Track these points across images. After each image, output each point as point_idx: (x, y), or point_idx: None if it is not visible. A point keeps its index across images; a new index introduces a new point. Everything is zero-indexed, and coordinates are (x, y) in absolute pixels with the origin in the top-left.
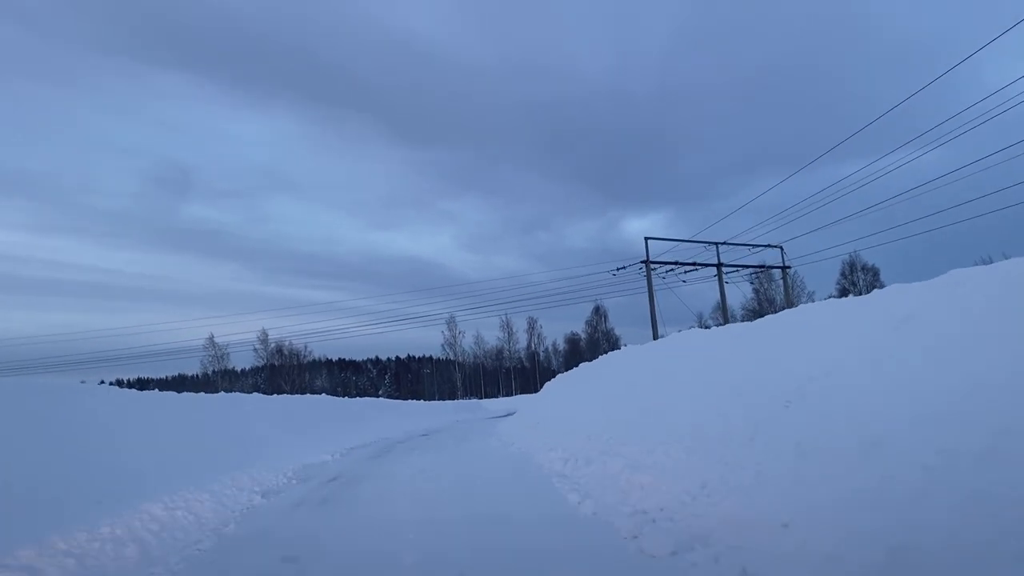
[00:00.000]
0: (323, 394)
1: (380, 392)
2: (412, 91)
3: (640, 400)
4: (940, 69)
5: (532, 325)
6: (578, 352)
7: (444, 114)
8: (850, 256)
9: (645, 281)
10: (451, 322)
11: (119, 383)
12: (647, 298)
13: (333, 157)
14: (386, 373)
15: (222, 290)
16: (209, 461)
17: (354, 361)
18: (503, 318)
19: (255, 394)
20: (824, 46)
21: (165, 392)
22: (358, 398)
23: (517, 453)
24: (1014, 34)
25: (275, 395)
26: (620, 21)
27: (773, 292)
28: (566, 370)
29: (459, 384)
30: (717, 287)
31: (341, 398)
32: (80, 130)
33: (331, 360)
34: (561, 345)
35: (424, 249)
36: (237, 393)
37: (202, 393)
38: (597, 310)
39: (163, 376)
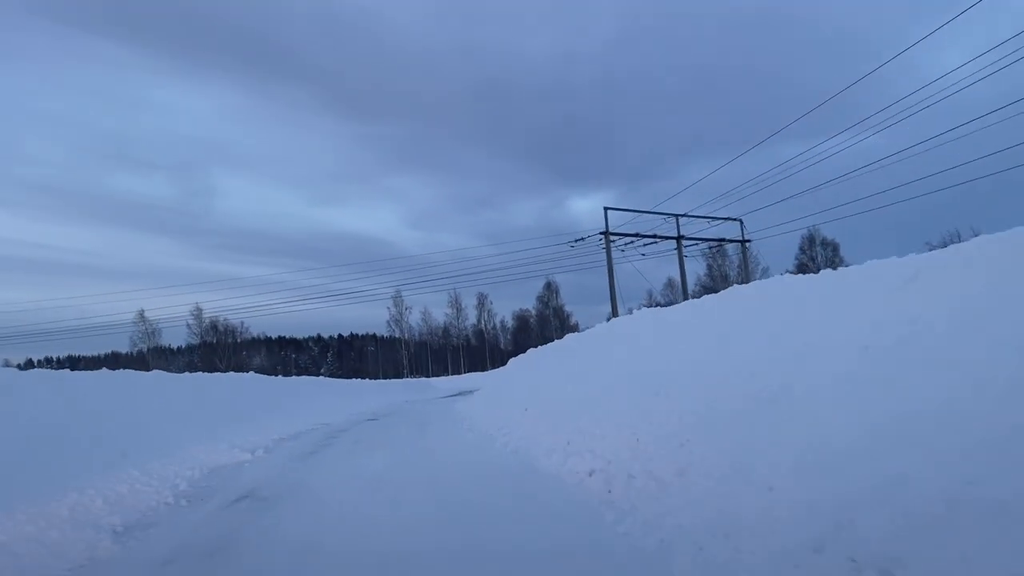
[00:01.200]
0: (250, 372)
1: (322, 371)
2: (356, 65)
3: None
4: (876, 57)
5: (482, 301)
6: (527, 329)
7: (389, 89)
8: (809, 230)
9: (600, 255)
10: (397, 298)
11: (48, 361)
12: (601, 274)
13: (275, 131)
14: (328, 351)
15: (158, 265)
16: (58, 467)
17: (295, 339)
18: (451, 294)
19: (156, 372)
20: (767, 33)
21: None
22: (296, 377)
23: (509, 453)
24: (948, 27)
25: (187, 374)
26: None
27: (727, 268)
28: (515, 348)
29: (405, 362)
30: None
31: (274, 377)
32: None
33: (271, 338)
34: (509, 322)
35: (368, 226)
36: (128, 371)
37: (68, 371)
38: (549, 286)
39: (96, 353)
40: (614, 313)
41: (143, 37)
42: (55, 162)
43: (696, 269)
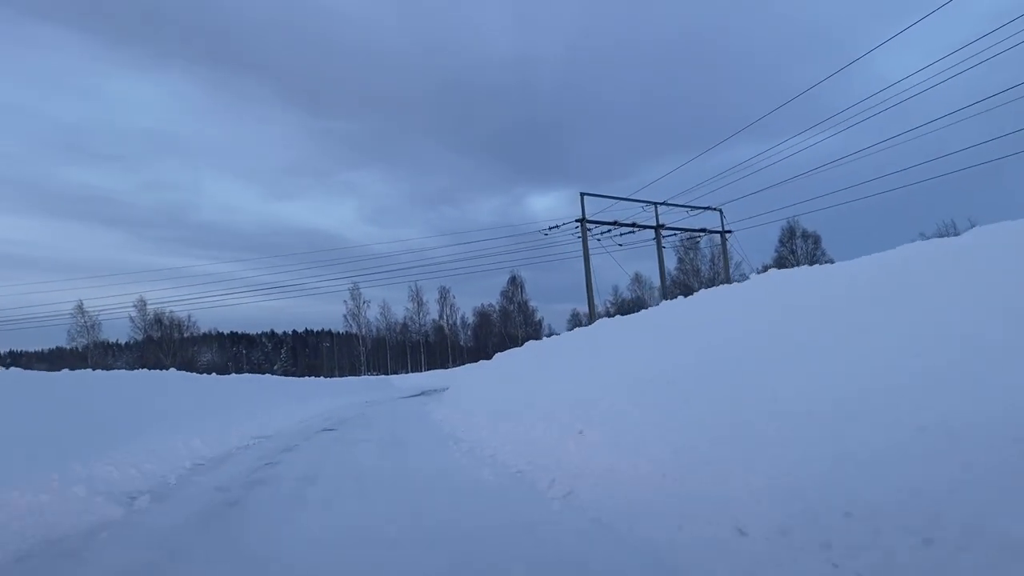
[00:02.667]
0: (186, 371)
1: (275, 368)
2: (313, 58)
3: None
4: (840, 56)
5: (444, 295)
6: (488, 325)
7: (346, 83)
8: (789, 222)
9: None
10: (355, 291)
11: None
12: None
13: (230, 124)
14: (282, 347)
15: (108, 259)
16: None
17: (248, 335)
18: (412, 287)
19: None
20: (730, 30)
21: None
22: (241, 374)
23: (592, 526)
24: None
25: (79, 371)
26: None
27: (699, 262)
28: (476, 345)
29: (362, 359)
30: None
31: (208, 375)
32: None
33: (223, 333)
34: (470, 319)
35: (325, 221)
36: None
37: None
38: (514, 280)
39: (39, 348)
40: (590, 305)
41: (96, 26)
42: (3, 152)
43: (667, 263)
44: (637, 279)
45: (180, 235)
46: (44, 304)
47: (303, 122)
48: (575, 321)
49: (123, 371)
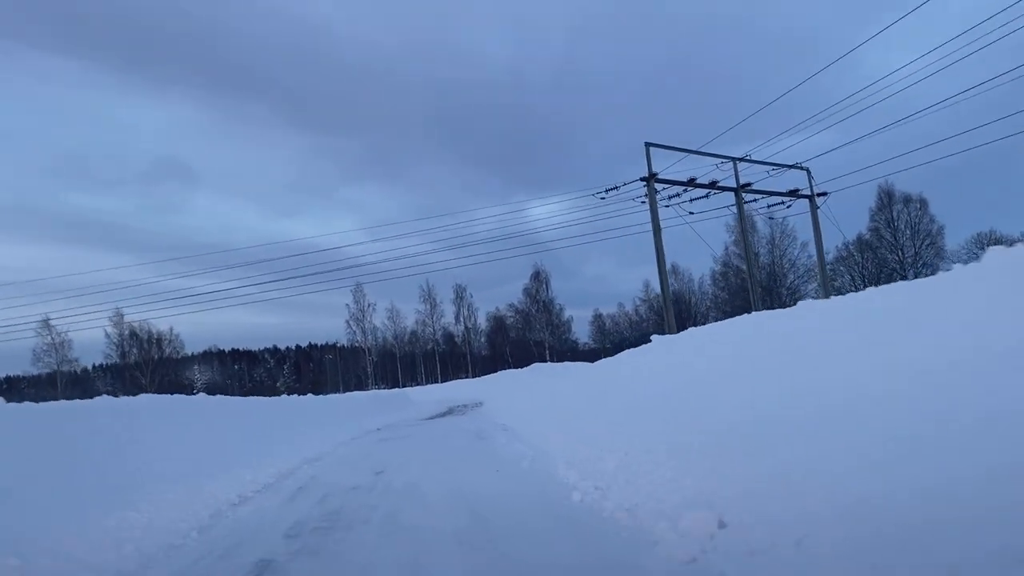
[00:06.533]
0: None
1: (279, 384)
2: (310, 75)
3: None
4: (819, 57)
5: (460, 295)
6: (503, 330)
7: (344, 100)
8: (886, 184)
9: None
10: (357, 292)
11: None
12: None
13: (232, 144)
14: (285, 363)
15: (104, 281)
16: None
17: (249, 351)
18: (424, 286)
19: None
20: (718, 34)
21: None
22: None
23: None
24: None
25: None
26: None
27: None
28: (492, 352)
29: (369, 371)
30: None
31: (131, 398)
32: None
33: (223, 351)
34: (483, 324)
35: (328, 238)
36: None
37: None
38: (537, 276)
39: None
40: (662, 281)
41: (98, 53)
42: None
43: (713, 245)
44: (674, 271)
45: (183, 255)
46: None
47: (303, 141)
48: (598, 324)
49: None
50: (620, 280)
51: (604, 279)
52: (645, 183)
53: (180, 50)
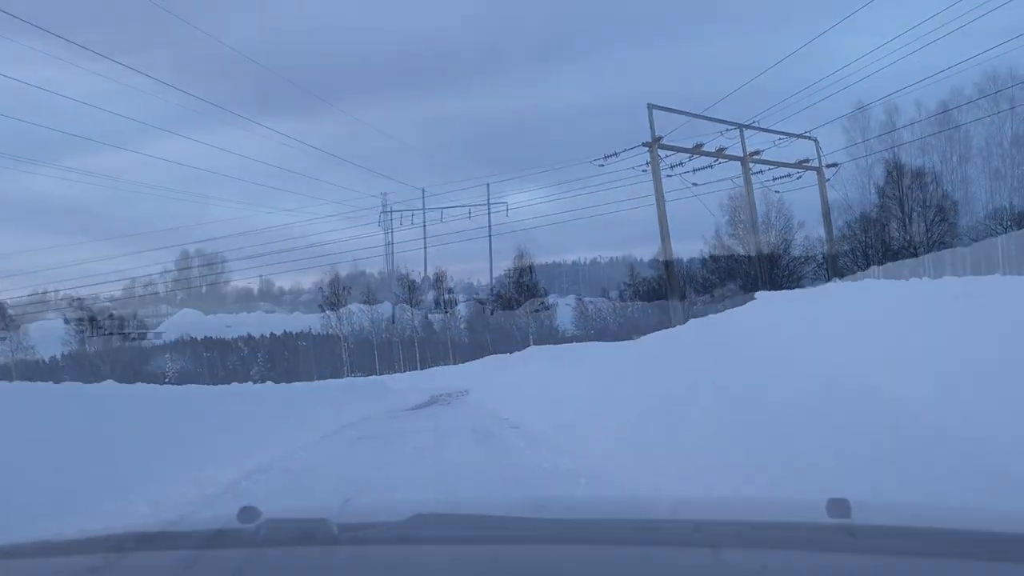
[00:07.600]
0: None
1: (253, 372)
2: (282, 55)
3: None
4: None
5: (440, 277)
6: (483, 317)
7: (316, 82)
8: (892, 156)
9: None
10: (334, 280)
11: None
12: None
13: (208, 133)
14: (259, 351)
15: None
16: None
17: (222, 339)
18: (402, 269)
19: None
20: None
21: None
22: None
23: None
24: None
25: None
26: None
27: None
28: (470, 340)
29: (345, 358)
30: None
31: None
32: None
33: (195, 339)
34: (463, 311)
35: (305, 227)
36: None
37: None
38: (521, 257)
39: None
40: (667, 255)
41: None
42: None
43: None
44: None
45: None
46: None
47: (279, 126)
48: (580, 309)
49: None
50: (603, 268)
51: (586, 266)
52: (646, 147)
53: (155, 36)
